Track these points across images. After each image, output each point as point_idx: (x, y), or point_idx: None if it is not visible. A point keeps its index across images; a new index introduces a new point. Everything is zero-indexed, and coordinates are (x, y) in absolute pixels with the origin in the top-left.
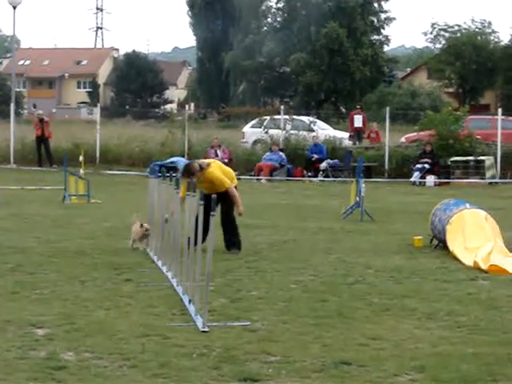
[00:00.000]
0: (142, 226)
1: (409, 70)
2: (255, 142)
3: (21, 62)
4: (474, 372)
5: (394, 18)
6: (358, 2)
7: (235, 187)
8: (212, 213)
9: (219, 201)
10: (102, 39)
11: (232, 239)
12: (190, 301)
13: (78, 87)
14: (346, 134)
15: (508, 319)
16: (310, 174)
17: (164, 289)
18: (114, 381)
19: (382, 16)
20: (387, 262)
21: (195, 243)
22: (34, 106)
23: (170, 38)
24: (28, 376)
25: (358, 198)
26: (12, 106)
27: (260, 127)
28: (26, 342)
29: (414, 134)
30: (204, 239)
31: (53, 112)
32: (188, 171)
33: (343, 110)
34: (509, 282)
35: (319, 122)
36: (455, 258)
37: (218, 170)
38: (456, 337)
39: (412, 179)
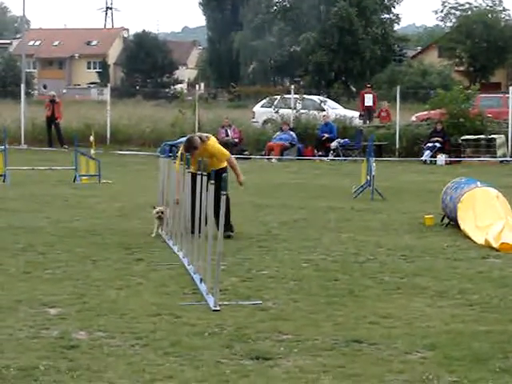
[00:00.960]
0: (154, 207)
1: (419, 48)
2: (265, 122)
3: (31, 43)
4: (485, 350)
5: None
6: None
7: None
8: (223, 192)
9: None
10: (112, 19)
11: (227, 221)
12: (201, 280)
13: (88, 68)
14: (356, 113)
15: None
16: (320, 153)
17: (175, 268)
18: (126, 359)
19: None
20: (398, 241)
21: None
22: (45, 87)
23: (180, 17)
24: (40, 355)
25: (368, 177)
26: (22, 87)
27: (270, 107)
28: (38, 322)
29: (425, 112)
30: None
31: (63, 92)
32: (191, 145)
33: (353, 89)
34: None
35: (329, 101)
36: (466, 237)
37: (216, 142)
38: (467, 315)
39: (423, 158)
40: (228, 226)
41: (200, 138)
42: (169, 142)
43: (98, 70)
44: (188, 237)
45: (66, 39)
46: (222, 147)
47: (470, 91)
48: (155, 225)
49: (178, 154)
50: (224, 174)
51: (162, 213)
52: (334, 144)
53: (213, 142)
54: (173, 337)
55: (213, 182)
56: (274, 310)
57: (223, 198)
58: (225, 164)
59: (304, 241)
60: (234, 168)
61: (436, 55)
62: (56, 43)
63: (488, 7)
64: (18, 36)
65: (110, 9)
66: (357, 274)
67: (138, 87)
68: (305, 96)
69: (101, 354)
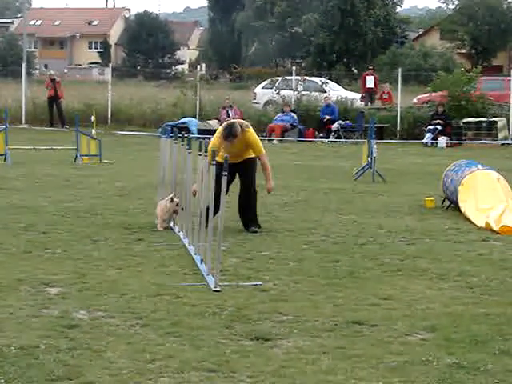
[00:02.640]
0: (172, 200)
1: (421, 30)
2: (267, 103)
3: (32, 22)
4: (484, 332)
5: None
6: None
7: None
8: (224, 173)
9: (238, 170)
10: None
11: (253, 215)
12: (201, 260)
13: (90, 47)
14: (357, 95)
15: None
16: (321, 134)
17: (176, 249)
18: (127, 339)
19: None
20: (399, 223)
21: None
22: (46, 67)
23: None
24: (41, 334)
25: (369, 159)
26: (23, 66)
27: (272, 88)
28: (38, 301)
29: (426, 95)
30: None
31: (64, 72)
32: (232, 133)
33: (355, 70)
34: None
35: (331, 83)
36: (467, 219)
37: (254, 132)
38: (467, 297)
39: (424, 140)
40: (255, 221)
41: (240, 125)
42: (170, 123)
43: (99, 50)
44: (189, 217)
45: (67, 19)
46: (259, 140)
47: (471, 74)
48: (165, 218)
49: (209, 145)
50: (226, 154)
51: (178, 204)
52: (335, 126)
53: (252, 131)
54: (173, 317)
55: (226, 173)
56: (275, 291)
57: (224, 179)
58: (253, 154)
59: (305, 222)
60: (265, 168)
61: (438, 37)
62: (57, 23)
63: None
64: (20, 15)
65: None
66: (357, 256)
67: (139, 67)
68: (306, 77)
69: (101, 333)
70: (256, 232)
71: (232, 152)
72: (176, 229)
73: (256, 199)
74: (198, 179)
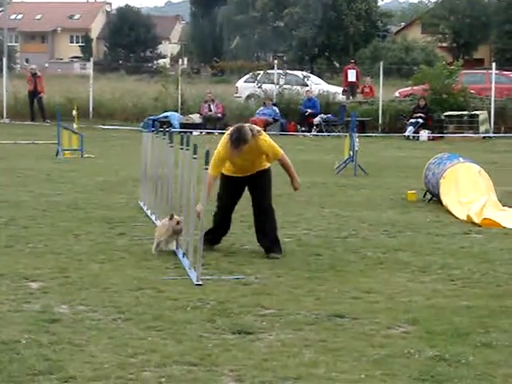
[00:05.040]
0: (172, 217)
1: (403, 24)
2: (248, 97)
3: (13, 17)
4: (466, 324)
5: None
6: None
7: None
8: (205, 167)
9: (249, 184)
10: None
11: (273, 238)
12: (183, 254)
13: (71, 42)
14: (339, 89)
15: (501, 272)
16: (303, 128)
17: None
18: (108, 333)
19: None
20: (381, 216)
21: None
22: (27, 61)
23: None
24: (22, 329)
25: (351, 153)
26: (4, 61)
27: (253, 82)
28: (19, 296)
29: (408, 88)
30: (221, 235)
31: (45, 67)
32: (242, 138)
33: (337, 64)
34: (502, 235)
35: (313, 77)
36: (448, 212)
37: (267, 136)
38: (449, 290)
39: (406, 134)
40: (276, 243)
41: (251, 130)
42: (151, 117)
43: (80, 44)
44: (171, 211)
45: (48, 13)
46: (274, 143)
47: (453, 67)
48: (162, 239)
49: (214, 156)
50: (207, 150)
51: (179, 223)
52: (317, 119)
53: (265, 136)
54: (155, 311)
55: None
56: (257, 285)
57: (205, 173)
58: (268, 164)
59: (287, 216)
60: (288, 168)
61: (419, 31)
62: (38, 17)
63: None
64: (0, 9)
65: None
66: (339, 249)
67: (120, 62)
68: (288, 71)
69: (83, 327)
70: (278, 258)
71: (242, 164)
72: (180, 253)
73: (275, 218)
74: (202, 198)
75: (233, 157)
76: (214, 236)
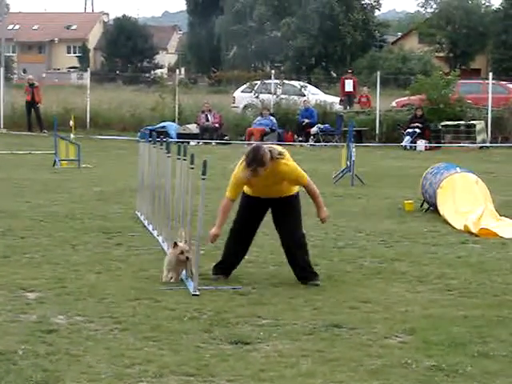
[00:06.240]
0: (175, 246)
1: (400, 34)
2: (246, 107)
3: (10, 27)
4: (463, 334)
5: None
6: None
7: None
8: (203, 177)
9: (273, 207)
10: (92, 3)
11: (308, 266)
12: None
13: (68, 52)
14: (336, 99)
15: (498, 282)
16: (300, 138)
17: (155, 253)
18: (105, 344)
19: None
20: (378, 226)
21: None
22: (24, 71)
23: (160, 2)
24: (19, 339)
25: (348, 163)
26: (1, 71)
27: (251, 92)
28: (16, 306)
29: (405, 98)
30: (232, 266)
31: (43, 77)
32: (258, 159)
33: (334, 74)
34: (499, 245)
35: (310, 87)
36: (446, 222)
37: (291, 159)
38: (446, 300)
39: (403, 143)
40: (309, 271)
41: (270, 152)
42: (149, 127)
43: (77, 54)
44: (168, 221)
45: (45, 23)
46: (299, 168)
47: (450, 77)
48: (170, 269)
49: (232, 178)
50: (205, 159)
51: (183, 253)
52: (314, 129)
53: (287, 160)
54: (152, 321)
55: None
56: (254, 295)
57: (203, 183)
58: (296, 189)
59: None
60: (315, 196)
61: (416, 41)
62: (36, 27)
63: None
64: None
65: None
66: (336, 259)
67: (118, 72)
68: (285, 81)
69: (79, 338)
70: (318, 284)
71: (263, 189)
72: (191, 285)
73: (307, 246)
74: (217, 222)
75: (249, 180)
76: (225, 266)
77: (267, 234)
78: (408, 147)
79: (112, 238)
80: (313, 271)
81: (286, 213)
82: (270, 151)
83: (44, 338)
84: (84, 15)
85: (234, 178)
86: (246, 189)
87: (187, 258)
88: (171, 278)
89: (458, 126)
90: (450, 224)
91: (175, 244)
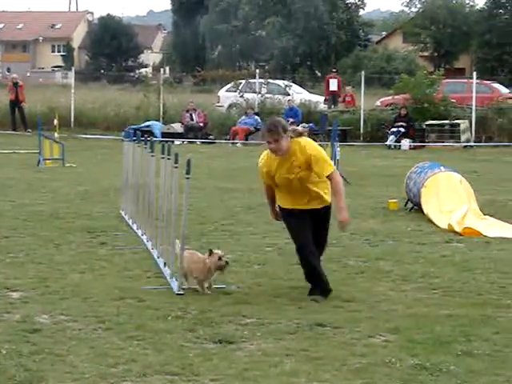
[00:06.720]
0: (211, 253)
1: (384, 33)
2: (230, 106)
3: None
4: (447, 333)
5: None
6: None
7: None
8: (187, 176)
9: (312, 219)
10: (77, 2)
11: (322, 275)
12: (165, 264)
13: (53, 51)
14: (321, 98)
15: (482, 281)
16: None
17: (139, 252)
18: (89, 343)
19: None
20: (362, 225)
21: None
22: (8, 70)
23: (145, 1)
24: (2, 339)
25: (333, 162)
26: None
27: (235, 91)
28: (0, 305)
29: (389, 97)
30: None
31: (27, 76)
32: (275, 126)
33: (318, 73)
34: (483, 244)
35: (294, 86)
36: (430, 221)
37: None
38: (430, 299)
39: (387, 143)
40: (321, 280)
41: (293, 130)
42: (133, 126)
43: (62, 53)
44: (152, 220)
45: (29, 22)
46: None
47: (434, 76)
48: (202, 278)
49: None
50: (189, 156)
51: (221, 258)
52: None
53: (311, 142)
54: (136, 320)
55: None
56: (238, 294)
57: (187, 182)
58: (329, 198)
59: (268, 225)
60: (338, 190)
61: (401, 40)
62: (20, 26)
63: None
64: None
65: None
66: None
67: (102, 71)
68: (270, 80)
69: (63, 337)
70: (320, 301)
71: (290, 182)
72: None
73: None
74: (269, 207)
75: (271, 164)
76: (318, 279)
77: (254, 233)
78: (392, 146)
79: (96, 238)
80: (322, 280)
81: (322, 226)
82: (292, 129)
83: (28, 338)
84: (68, 14)
85: (259, 171)
86: (281, 202)
87: (226, 262)
88: (207, 287)
89: (442, 125)
90: (434, 223)
91: (211, 251)
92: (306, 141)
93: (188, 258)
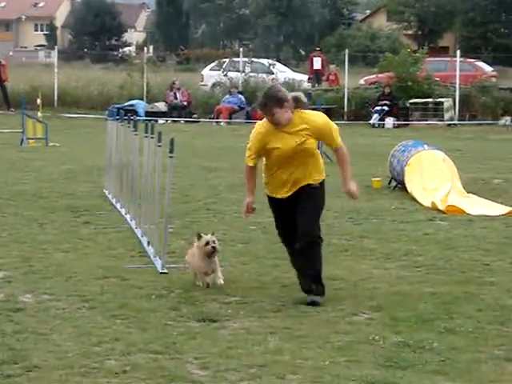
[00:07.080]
0: (199, 237)
1: (368, 12)
2: (214, 85)
3: None
4: (430, 310)
5: None
6: None
7: None
8: (170, 155)
9: (296, 202)
10: None
11: (315, 277)
12: (148, 243)
13: (36, 30)
14: (305, 77)
15: (465, 259)
16: None
17: (122, 231)
18: (73, 322)
19: None
20: (345, 204)
21: None
22: None
23: None
24: None
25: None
26: None
27: (219, 70)
28: None
29: (373, 76)
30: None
31: (10, 55)
32: (272, 95)
33: (302, 52)
34: (466, 222)
35: (278, 65)
36: (413, 199)
37: None
38: (413, 276)
39: (371, 121)
40: (317, 283)
41: (294, 99)
42: (117, 105)
43: (45, 32)
44: (135, 199)
45: (12, 1)
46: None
47: (418, 55)
48: (203, 271)
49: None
50: (172, 137)
51: (208, 243)
52: None
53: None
54: (120, 299)
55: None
56: (222, 273)
57: (171, 161)
58: (322, 177)
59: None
60: (344, 163)
61: (385, 19)
62: (2, 4)
63: None
64: None
65: None
66: None
67: (86, 50)
68: (253, 59)
69: (47, 316)
70: (317, 304)
71: (285, 159)
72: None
73: (321, 254)
74: (246, 189)
75: (268, 138)
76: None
77: (238, 212)
78: (376, 125)
79: (80, 217)
80: (320, 286)
81: (308, 206)
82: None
83: (11, 317)
84: None
85: (250, 142)
86: (267, 189)
87: (213, 248)
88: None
89: (425, 103)
90: (417, 201)
91: (199, 236)
92: (311, 113)
93: (189, 253)
